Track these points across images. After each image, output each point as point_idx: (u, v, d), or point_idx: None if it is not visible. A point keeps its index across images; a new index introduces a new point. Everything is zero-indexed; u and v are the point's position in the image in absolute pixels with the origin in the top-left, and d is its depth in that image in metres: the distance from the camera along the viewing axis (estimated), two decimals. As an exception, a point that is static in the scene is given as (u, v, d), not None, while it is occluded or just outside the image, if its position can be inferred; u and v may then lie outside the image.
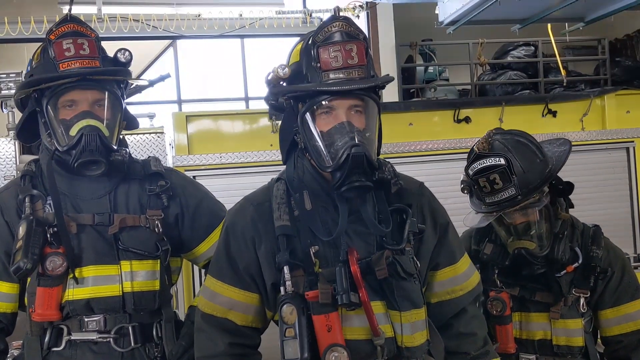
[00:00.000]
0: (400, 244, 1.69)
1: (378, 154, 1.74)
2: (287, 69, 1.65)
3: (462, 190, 2.30)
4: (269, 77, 1.70)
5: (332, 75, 1.62)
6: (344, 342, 1.60)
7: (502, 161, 2.11)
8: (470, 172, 2.19)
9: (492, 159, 2.13)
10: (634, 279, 2.32)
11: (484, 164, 2.14)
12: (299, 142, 1.70)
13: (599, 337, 2.40)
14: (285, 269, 1.64)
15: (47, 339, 1.96)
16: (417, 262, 1.75)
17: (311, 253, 1.66)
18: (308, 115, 1.65)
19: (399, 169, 1.79)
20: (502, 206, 2.14)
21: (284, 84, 1.69)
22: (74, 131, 1.91)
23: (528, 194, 2.12)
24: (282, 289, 1.65)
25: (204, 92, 7.53)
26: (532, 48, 6.05)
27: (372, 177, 1.63)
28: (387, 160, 1.76)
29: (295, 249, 1.68)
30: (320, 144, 1.63)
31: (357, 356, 1.64)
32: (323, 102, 1.63)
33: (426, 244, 1.80)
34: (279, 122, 3.85)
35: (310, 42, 1.65)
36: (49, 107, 1.94)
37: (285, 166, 1.81)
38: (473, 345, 1.88)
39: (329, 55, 1.61)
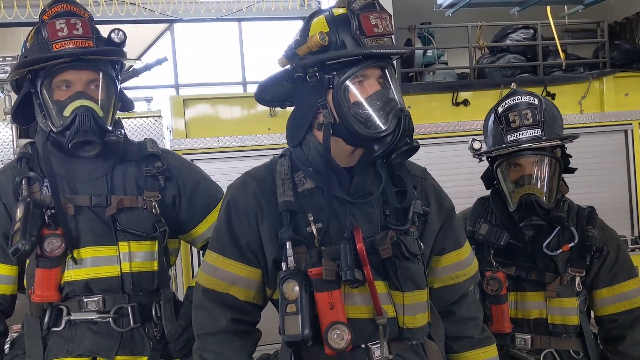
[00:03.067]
0: (404, 224, 1.68)
1: None
2: (325, 36, 1.62)
3: (471, 146, 2.40)
4: (299, 49, 1.66)
5: (372, 43, 1.62)
6: (346, 320, 1.58)
7: (537, 102, 2.27)
8: (501, 108, 2.31)
9: (529, 97, 2.30)
10: (629, 259, 2.35)
11: (520, 100, 2.29)
12: (324, 117, 1.65)
13: (592, 317, 2.42)
14: (288, 244, 1.62)
15: (46, 319, 1.97)
16: (421, 244, 1.75)
17: (314, 230, 1.64)
18: (350, 82, 1.62)
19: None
20: (524, 142, 2.22)
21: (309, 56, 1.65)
22: (67, 112, 1.91)
23: (552, 138, 2.23)
24: (284, 265, 1.63)
25: (201, 76, 7.50)
26: (531, 31, 6.00)
27: (413, 142, 1.63)
28: None
29: (298, 226, 1.66)
30: (369, 110, 1.61)
31: (359, 335, 1.63)
32: (367, 68, 1.61)
33: (430, 227, 1.80)
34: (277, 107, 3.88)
35: (347, 9, 1.64)
36: (43, 88, 1.94)
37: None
38: (475, 329, 1.90)
39: (371, 21, 1.62)
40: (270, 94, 1.79)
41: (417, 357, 1.75)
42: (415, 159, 1.94)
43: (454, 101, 4.18)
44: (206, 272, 1.76)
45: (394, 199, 1.71)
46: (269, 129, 3.87)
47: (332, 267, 1.59)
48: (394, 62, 1.75)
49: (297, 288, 1.58)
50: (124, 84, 2.13)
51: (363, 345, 1.67)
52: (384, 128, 1.60)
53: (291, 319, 1.57)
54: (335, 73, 1.62)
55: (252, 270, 1.73)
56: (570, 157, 2.36)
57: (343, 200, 1.68)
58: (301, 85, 1.68)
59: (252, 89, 4.78)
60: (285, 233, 1.64)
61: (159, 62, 3.99)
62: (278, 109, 3.87)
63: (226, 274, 1.72)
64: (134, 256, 2.01)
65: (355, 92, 1.62)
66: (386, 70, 1.67)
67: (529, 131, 2.23)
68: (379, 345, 1.66)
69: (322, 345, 1.58)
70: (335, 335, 1.56)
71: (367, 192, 1.70)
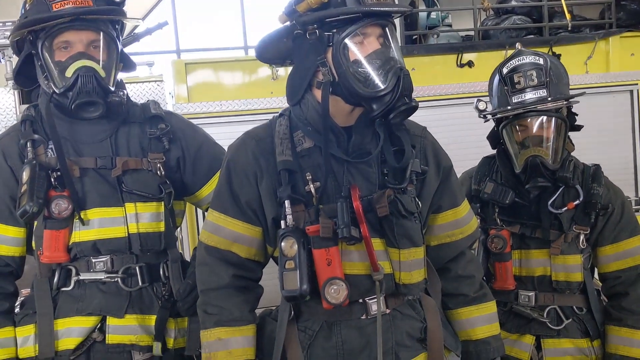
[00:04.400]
0: (402, 183, 1.70)
1: None
2: None
3: (476, 107, 2.38)
4: (298, 6, 1.64)
5: (373, 0, 1.61)
6: (343, 276, 1.62)
7: (542, 62, 2.24)
8: (506, 69, 2.28)
9: (533, 57, 2.27)
10: (633, 216, 2.35)
11: (524, 60, 2.26)
12: (323, 75, 1.64)
13: (596, 274, 2.43)
14: (287, 203, 1.65)
15: (56, 279, 2.00)
16: (419, 202, 1.76)
17: (312, 189, 1.67)
18: (349, 40, 1.61)
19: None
20: (529, 105, 2.20)
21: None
22: (69, 72, 1.90)
23: (557, 99, 2.21)
24: (282, 223, 1.66)
25: (202, 41, 7.42)
26: (537, -8, 5.90)
27: (412, 102, 1.63)
28: None
29: (297, 185, 1.69)
30: (369, 68, 1.61)
31: (356, 290, 1.67)
32: (367, 26, 1.60)
33: (428, 185, 1.81)
34: (279, 69, 3.84)
35: None
36: (43, 49, 1.92)
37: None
38: (471, 287, 1.92)
39: None
40: (271, 51, 1.78)
41: (413, 311, 1.79)
42: (420, 120, 1.94)
43: (459, 63, 4.13)
44: (208, 230, 1.79)
45: (392, 158, 1.71)
46: (272, 92, 3.84)
47: (329, 225, 1.61)
48: (396, 21, 1.73)
49: (295, 245, 1.61)
50: (125, 49, 2.11)
51: (360, 300, 1.71)
52: (382, 87, 1.60)
53: (290, 274, 1.61)
54: (335, 31, 1.61)
55: (253, 228, 1.76)
56: (576, 115, 2.35)
57: (341, 159, 1.69)
58: (301, 43, 1.67)
59: (253, 53, 4.75)
60: (283, 192, 1.67)
61: (159, 26, 3.93)
62: (280, 72, 3.88)
63: (228, 232, 1.76)
64: (140, 217, 2.03)
65: (355, 50, 1.62)
66: (386, 29, 1.66)
67: (534, 92, 2.21)
68: (375, 300, 1.69)
69: (320, 300, 1.62)
70: (332, 290, 1.60)
71: (365, 152, 1.71)
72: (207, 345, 1.74)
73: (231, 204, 1.75)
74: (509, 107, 2.24)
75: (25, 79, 2.10)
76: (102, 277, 2.01)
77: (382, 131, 1.71)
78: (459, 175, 2.50)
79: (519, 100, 2.23)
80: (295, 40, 1.68)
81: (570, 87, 2.38)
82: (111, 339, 1.99)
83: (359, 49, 1.62)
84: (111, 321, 2.00)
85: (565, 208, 2.26)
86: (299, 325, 1.74)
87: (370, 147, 1.71)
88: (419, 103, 1.67)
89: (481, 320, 1.92)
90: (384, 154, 1.72)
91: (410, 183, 1.72)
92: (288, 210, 1.65)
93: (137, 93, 3.75)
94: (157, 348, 2.02)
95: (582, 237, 2.27)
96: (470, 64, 4.14)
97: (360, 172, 1.71)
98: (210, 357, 1.73)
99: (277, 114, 1.80)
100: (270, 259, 1.85)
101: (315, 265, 1.63)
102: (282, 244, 1.63)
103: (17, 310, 2.10)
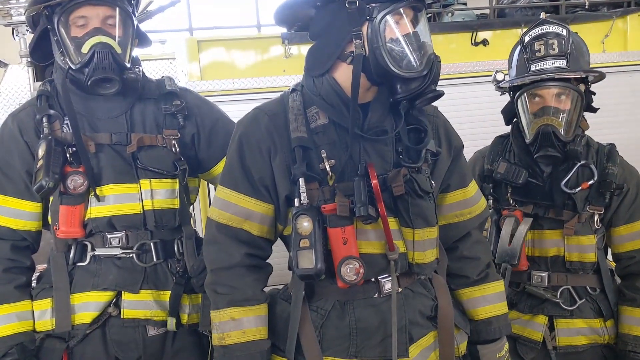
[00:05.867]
0: (417, 162, 1.69)
1: None
2: None
3: (494, 78, 2.39)
4: None
5: None
6: (358, 255, 1.61)
7: (565, 33, 2.24)
8: (528, 37, 2.28)
9: (557, 27, 2.26)
10: (648, 195, 2.32)
11: (547, 30, 2.25)
12: (356, 48, 1.61)
13: (609, 253, 2.42)
14: (301, 180, 1.63)
15: (72, 254, 2.03)
16: (432, 182, 1.76)
17: (327, 166, 1.65)
18: (391, 17, 1.60)
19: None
20: (548, 72, 2.19)
21: None
22: (85, 48, 1.90)
23: (576, 70, 2.20)
24: (296, 201, 1.64)
25: (215, 20, 7.37)
26: (554, -31, 5.80)
27: (437, 90, 1.64)
28: None
29: (311, 162, 1.66)
30: (406, 48, 1.61)
31: (371, 269, 1.66)
32: (407, 7, 1.61)
33: (440, 165, 1.81)
34: (291, 47, 3.82)
35: None
36: (59, 24, 1.92)
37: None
38: (475, 269, 1.91)
39: None
40: (290, 15, 1.76)
41: (425, 290, 1.79)
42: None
43: (473, 41, 4.07)
44: (219, 207, 1.75)
45: (407, 137, 1.70)
46: (284, 70, 3.82)
47: (345, 203, 1.60)
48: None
49: (310, 223, 1.60)
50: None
51: (374, 279, 1.70)
52: (419, 69, 1.60)
53: (305, 253, 1.59)
54: (376, 5, 1.60)
55: (265, 205, 1.73)
56: (594, 94, 2.32)
57: (356, 137, 1.67)
58: (337, 12, 1.64)
59: (266, 32, 4.71)
60: (298, 169, 1.64)
61: (172, 3, 3.91)
62: (293, 50, 3.85)
63: (239, 209, 1.72)
64: (155, 194, 2.04)
65: (394, 28, 1.61)
66: (421, 13, 1.66)
67: (553, 61, 2.20)
68: (389, 279, 1.68)
69: (335, 279, 1.62)
70: (348, 270, 1.59)
71: (381, 130, 1.69)
72: (220, 325, 1.71)
73: (242, 180, 1.72)
74: (527, 74, 2.23)
75: (40, 55, 2.10)
76: (118, 253, 2.03)
77: (401, 111, 1.69)
78: (471, 155, 2.50)
79: (538, 68, 2.23)
80: (327, 8, 1.66)
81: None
82: (126, 313, 2.02)
83: (398, 28, 1.61)
84: (126, 296, 2.02)
85: (580, 188, 2.24)
86: (310, 305, 1.73)
87: (387, 125, 1.70)
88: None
89: (483, 300, 1.90)
90: (399, 133, 1.70)
91: (425, 162, 1.72)
92: (302, 188, 1.63)
93: (149, 71, 3.73)
94: (171, 323, 2.05)
95: (596, 217, 2.25)
96: (484, 42, 4.08)
97: (375, 150, 1.70)
98: (223, 337, 1.70)
99: (289, 90, 1.77)
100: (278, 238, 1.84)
101: (330, 244, 1.62)
102: (297, 221, 1.61)
103: (34, 284, 2.13)
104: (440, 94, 1.64)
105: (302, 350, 1.69)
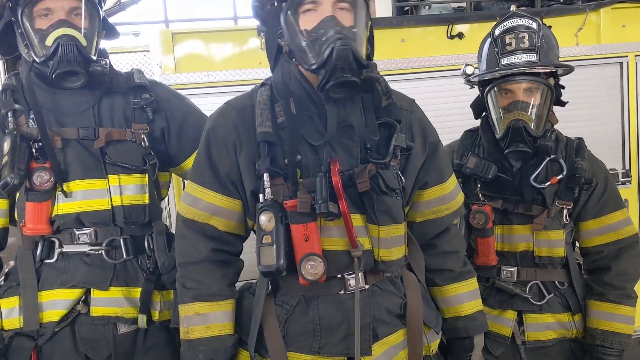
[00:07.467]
0: (384, 158, 1.66)
1: (370, 58, 1.69)
2: None
3: (464, 72, 2.39)
4: None
5: None
6: (321, 252, 1.60)
7: (535, 26, 2.23)
8: (498, 30, 2.28)
9: (527, 20, 2.25)
10: (616, 190, 2.34)
11: (518, 22, 2.24)
12: (283, 46, 1.64)
13: (577, 248, 2.43)
14: (265, 176, 1.62)
15: (39, 252, 2.00)
16: (402, 178, 1.74)
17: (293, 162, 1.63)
18: (291, 13, 1.58)
19: (391, 86, 1.75)
20: (519, 67, 2.19)
21: None
22: (49, 41, 1.86)
23: (547, 64, 2.21)
24: (261, 196, 1.63)
25: (191, 12, 7.31)
26: (530, -38, 5.83)
27: (360, 75, 1.57)
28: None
29: (277, 157, 1.65)
30: (305, 41, 1.57)
31: (334, 266, 1.65)
32: None
33: (413, 161, 1.78)
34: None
35: None
36: (23, 16, 1.89)
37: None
38: (456, 262, 1.92)
39: None
40: (256, 8, 1.75)
41: (394, 287, 1.78)
42: (410, 92, 1.91)
43: (449, 34, 4.08)
44: (187, 202, 1.76)
45: (376, 132, 1.67)
46: (260, 63, 3.79)
47: (307, 200, 1.58)
48: None
49: (273, 220, 1.58)
50: (111, 19, 2.06)
51: (339, 276, 1.69)
52: (315, 60, 1.56)
53: (266, 249, 1.58)
54: (284, 3, 1.59)
55: (232, 201, 1.72)
56: (563, 88, 2.33)
57: (322, 132, 1.65)
58: (268, 10, 1.65)
59: (243, 24, 4.67)
60: (262, 164, 1.63)
61: (146, -6, 3.87)
62: (270, 43, 3.84)
63: (206, 204, 1.72)
64: (124, 189, 2.02)
65: (293, 22, 1.59)
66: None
67: (524, 55, 2.20)
68: (354, 275, 1.67)
69: (298, 276, 1.61)
70: (309, 267, 1.58)
71: (346, 125, 1.67)
72: (185, 319, 1.72)
73: (210, 175, 1.71)
74: (497, 68, 2.23)
75: (6, 47, 2.06)
76: (86, 250, 2.00)
77: (358, 104, 1.67)
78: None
79: (508, 62, 2.22)
80: (264, 6, 1.67)
81: (561, 58, 2.36)
82: (96, 311, 2.00)
83: (299, 21, 1.58)
84: (95, 293, 2.00)
85: (549, 183, 2.25)
86: (276, 300, 1.73)
87: (354, 121, 1.68)
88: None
89: (467, 296, 1.92)
90: (368, 127, 1.68)
91: (394, 158, 1.69)
92: (267, 183, 1.62)
93: (122, 63, 3.69)
94: (142, 320, 2.03)
95: (565, 212, 2.26)
96: (460, 35, 4.09)
97: (342, 146, 1.67)
98: (188, 331, 1.71)
99: (259, 83, 1.76)
100: (252, 232, 1.82)
101: (292, 241, 1.60)
102: (260, 218, 1.60)
103: (1, 282, 2.09)
104: (352, 82, 1.55)
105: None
